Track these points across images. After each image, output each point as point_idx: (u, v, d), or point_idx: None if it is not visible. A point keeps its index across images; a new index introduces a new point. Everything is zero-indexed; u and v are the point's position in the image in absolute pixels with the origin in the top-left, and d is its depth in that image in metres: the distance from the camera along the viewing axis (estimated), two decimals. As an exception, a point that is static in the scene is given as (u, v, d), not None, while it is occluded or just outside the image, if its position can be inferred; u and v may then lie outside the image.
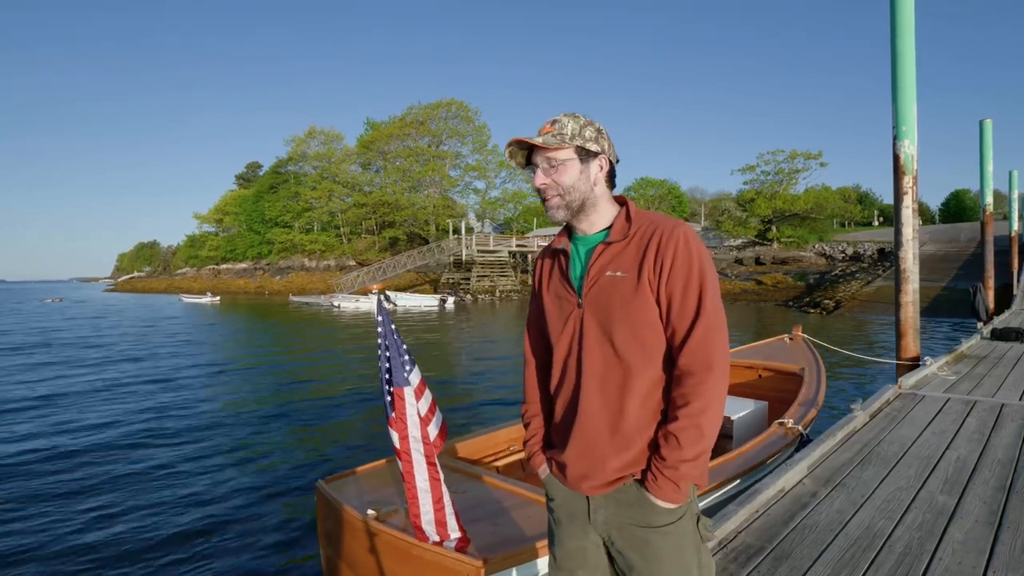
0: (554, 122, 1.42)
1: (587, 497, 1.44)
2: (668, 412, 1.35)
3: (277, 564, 4.03)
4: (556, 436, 1.53)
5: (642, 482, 1.38)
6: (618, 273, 1.37)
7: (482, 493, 3.12)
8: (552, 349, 1.52)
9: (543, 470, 1.56)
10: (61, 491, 5.45)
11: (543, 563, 2.50)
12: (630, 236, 1.39)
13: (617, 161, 1.50)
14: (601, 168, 1.44)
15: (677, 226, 1.37)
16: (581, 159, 1.41)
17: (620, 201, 1.49)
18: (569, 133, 1.40)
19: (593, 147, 1.41)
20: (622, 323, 1.37)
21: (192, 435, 7.30)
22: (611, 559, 1.47)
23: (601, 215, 1.45)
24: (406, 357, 2.54)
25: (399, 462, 2.51)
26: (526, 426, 1.64)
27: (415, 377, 2.55)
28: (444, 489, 2.49)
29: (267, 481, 5.63)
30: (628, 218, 1.42)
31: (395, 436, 2.49)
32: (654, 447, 1.37)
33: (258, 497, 5.23)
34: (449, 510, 2.47)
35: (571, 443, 1.44)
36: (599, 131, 1.44)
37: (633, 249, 1.38)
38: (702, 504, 3.45)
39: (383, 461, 3.53)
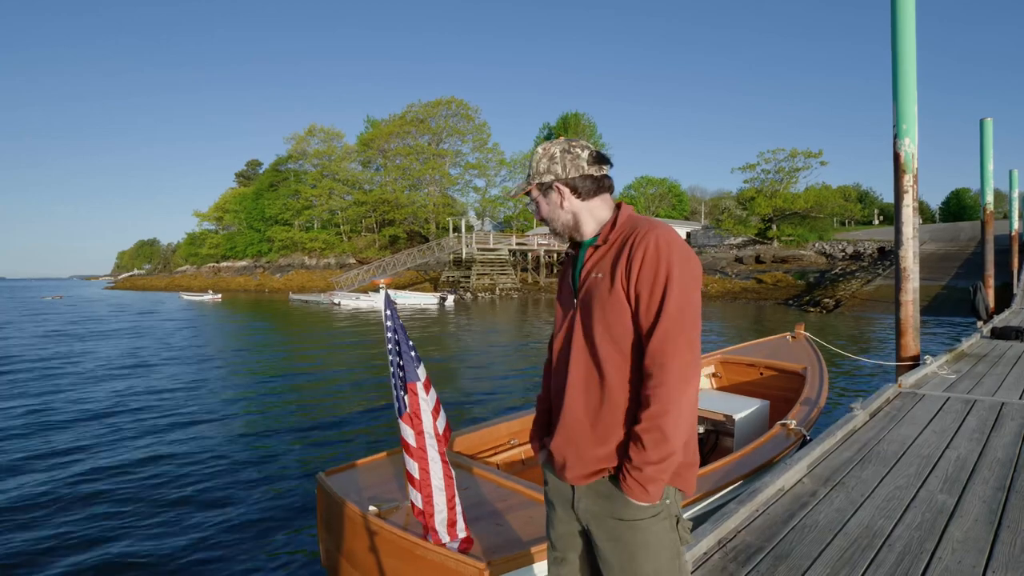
0: (529, 161, 1.57)
1: (572, 485, 1.51)
2: (636, 413, 1.40)
3: (276, 555, 4.05)
4: (552, 426, 1.62)
5: (616, 477, 1.44)
6: (599, 275, 1.46)
7: (483, 491, 3.10)
8: None
9: (541, 455, 1.66)
10: (56, 485, 5.45)
11: (542, 567, 2.49)
12: (612, 240, 1.47)
13: (589, 166, 1.51)
14: (559, 192, 1.53)
15: (652, 228, 1.41)
16: (543, 193, 1.56)
17: (617, 207, 1.55)
18: (531, 172, 1.56)
19: (547, 179, 1.53)
20: (599, 323, 1.44)
21: (193, 427, 7.31)
22: (592, 546, 1.54)
23: (590, 225, 1.54)
24: (413, 353, 2.53)
25: (411, 460, 2.46)
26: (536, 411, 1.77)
27: (422, 372, 2.55)
28: (455, 488, 2.49)
29: (267, 473, 5.65)
30: (614, 223, 1.50)
31: (410, 433, 2.46)
32: (627, 446, 1.41)
33: (258, 489, 5.25)
34: (459, 510, 2.47)
35: (556, 433, 1.53)
36: (552, 157, 1.52)
37: (612, 252, 1.46)
38: (703, 505, 3.44)
39: (384, 454, 3.53)
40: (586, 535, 1.53)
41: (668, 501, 1.43)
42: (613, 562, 1.44)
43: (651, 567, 1.41)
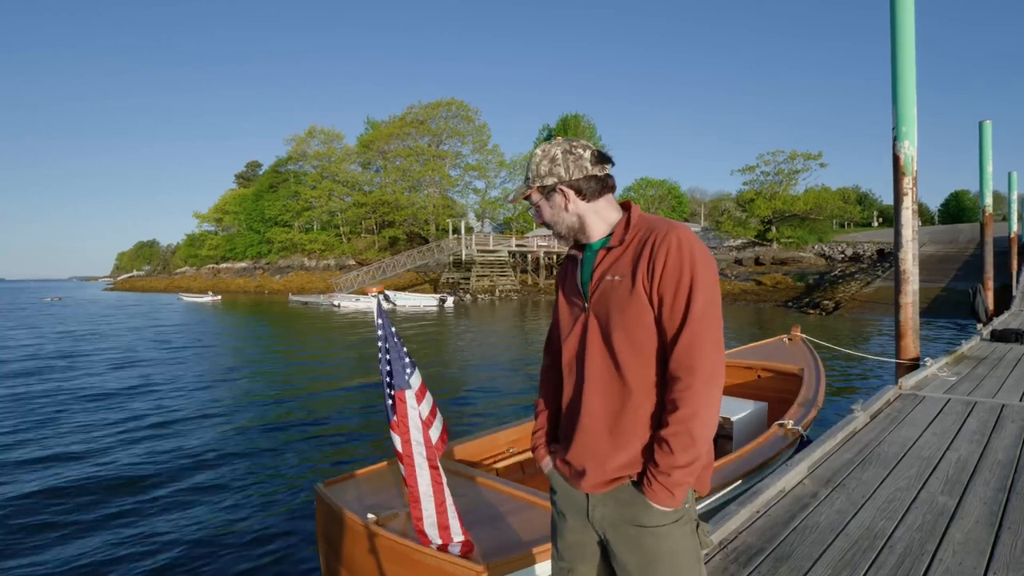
0: (527, 163, 1.52)
1: (586, 493, 1.47)
2: (662, 417, 1.37)
3: (276, 567, 4.02)
4: (561, 433, 1.58)
5: (639, 483, 1.39)
6: (616, 278, 1.41)
7: (482, 496, 3.10)
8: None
9: (547, 463, 1.61)
10: (54, 493, 5.44)
11: (542, 568, 2.49)
12: (627, 242, 1.43)
13: (592, 166, 1.47)
14: (563, 195, 1.48)
15: (671, 229, 1.37)
16: (546, 196, 1.50)
17: (626, 206, 1.52)
18: (531, 176, 1.50)
19: (549, 181, 1.47)
20: (618, 327, 1.40)
21: (191, 438, 7.29)
22: (608, 556, 1.49)
23: (598, 226, 1.50)
24: (406, 360, 2.53)
25: (401, 466, 2.49)
26: (535, 418, 1.71)
27: (416, 380, 2.55)
28: (447, 492, 2.48)
29: (265, 483, 5.62)
30: (627, 224, 1.45)
31: (397, 440, 2.47)
32: (650, 451, 1.38)
33: (256, 499, 5.22)
34: (452, 513, 2.46)
35: (572, 442, 1.49)
36: (553, 159, 1.47)
37: (630, 254, 1.41)
38: (703, 505, 3.44)
39: (383, 464, 3.51)
40: (602, 545, 1.49)
41: (687, 505, 1.41)
42: (634, 571, 1.40)
43: (673, 574, 1.39)
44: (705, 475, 1.41)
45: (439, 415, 2.63)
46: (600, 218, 1.49)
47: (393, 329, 2.57)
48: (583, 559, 1.52)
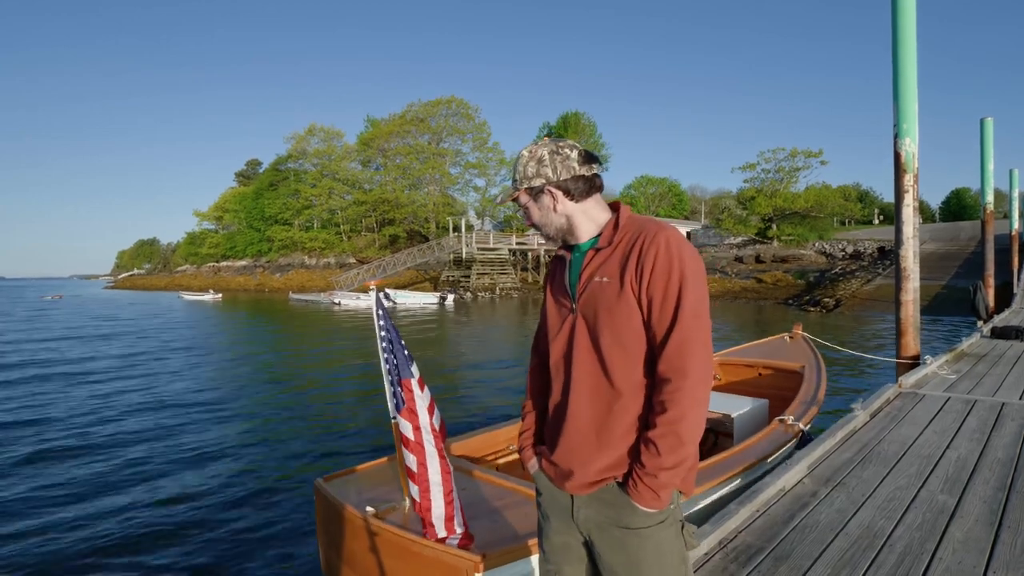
0: (515, 165, 1.51)
1: (571, 495, 1.47)
2: (648, 419, 1.36)
3: (276, 563, 4.04)
4: (547, 434, 1.57)
5: (623, 484, 1.39)
6: (604, 279, 1.40)
7: (480, 489, 3.11)
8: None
9: (532, 464, 1.62)
10: (55, 485, 5.45)
11: (538, 560, 2.50)
12: (615, 243, 1.42)
13: (580, 166, 1.45)
14: (551, 196, 1.47)
15: (660, 231, 1.37)
16: (534, 197, 1.49)
17: (614, 207, 1.51)
18: (519, 177, 1.49)
19: (537, 183, 1.46)
20: (606, 328, 1.39)
21: (191, 432, 7.31)
22: (594, 557, 1.49)
23: (586, 227, 1.49)
24: (405, 352, 2.60)
25: (410, 455, 2.51)
26: (522, 419, 1.70)
27: (415, 370, 2.61)
28: (453, 483, 2.51)
29: (265, 479, 5.63)
30: (616, 225, 1.45)
31: (408, 427, 2.51)
32: (636, 453, 1.38)
33: (256, 495, 5.23)
34: (457, 505, 2.49)
35: (558, 443, 1.49)
36: (540, 160, 1.45)
37: (618, 255, 1.40)
38: (703, 501, 3.44)
39: (383, 460, 3.52)
40: (587, 546, 1.49)
41: (672, 506, 1.40)
42: (619, 572, 1.40)
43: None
44: (690, 476, 1.41)
45: (436, 408, 2.68)
46: (588, 218, 1.48)
47: (392, 322, 2.64)
48: (569, 561, 1.52)
